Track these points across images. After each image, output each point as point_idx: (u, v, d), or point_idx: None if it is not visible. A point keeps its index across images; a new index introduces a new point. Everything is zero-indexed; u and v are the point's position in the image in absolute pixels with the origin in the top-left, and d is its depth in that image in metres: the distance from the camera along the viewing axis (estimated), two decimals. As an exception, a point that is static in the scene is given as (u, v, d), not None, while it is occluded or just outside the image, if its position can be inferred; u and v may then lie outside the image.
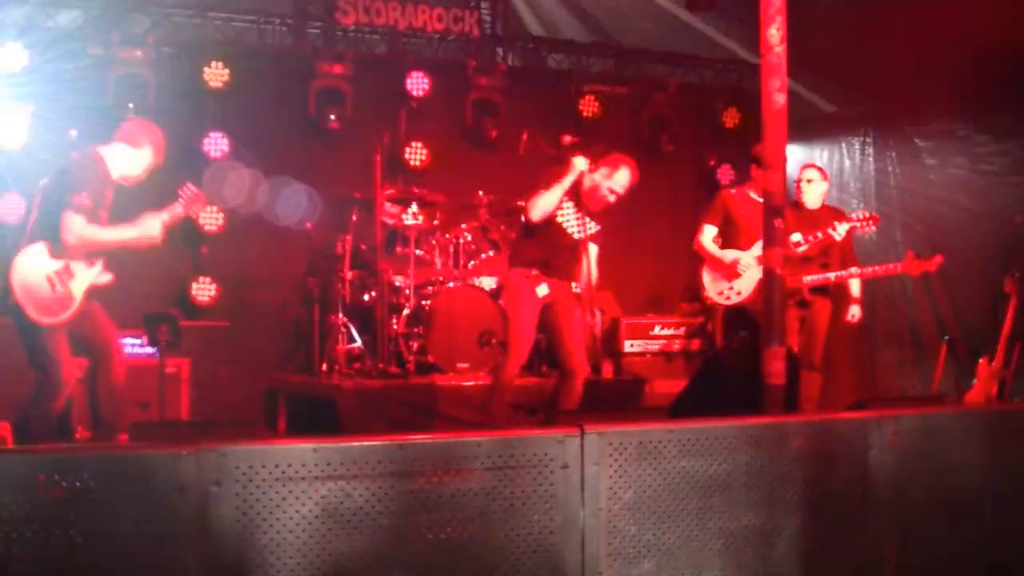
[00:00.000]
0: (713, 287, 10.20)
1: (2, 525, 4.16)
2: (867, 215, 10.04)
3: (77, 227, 7.97)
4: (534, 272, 9.15)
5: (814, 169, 10.61)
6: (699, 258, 10.30)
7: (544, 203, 8.93)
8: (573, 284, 9.25)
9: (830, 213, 10.61)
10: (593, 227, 9.20)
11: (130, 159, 8.50)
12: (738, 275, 9.96)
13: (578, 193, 9.11)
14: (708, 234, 10.19)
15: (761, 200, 7.75)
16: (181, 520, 4.42)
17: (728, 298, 10.06)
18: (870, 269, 10.13)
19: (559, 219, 9.09)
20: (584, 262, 9.03)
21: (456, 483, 4.84)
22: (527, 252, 9.23)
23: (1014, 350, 10.21)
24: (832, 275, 10.15)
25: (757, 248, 9.78)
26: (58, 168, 8.29)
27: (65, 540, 4.26)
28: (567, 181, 8.95)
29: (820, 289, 10.27)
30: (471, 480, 4.87)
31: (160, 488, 4.40)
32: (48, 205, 8.06)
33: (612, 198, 9.17)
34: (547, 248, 9.15)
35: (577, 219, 9.11)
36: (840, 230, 9.92)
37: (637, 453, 5.19)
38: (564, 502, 5.01)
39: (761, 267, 9.59)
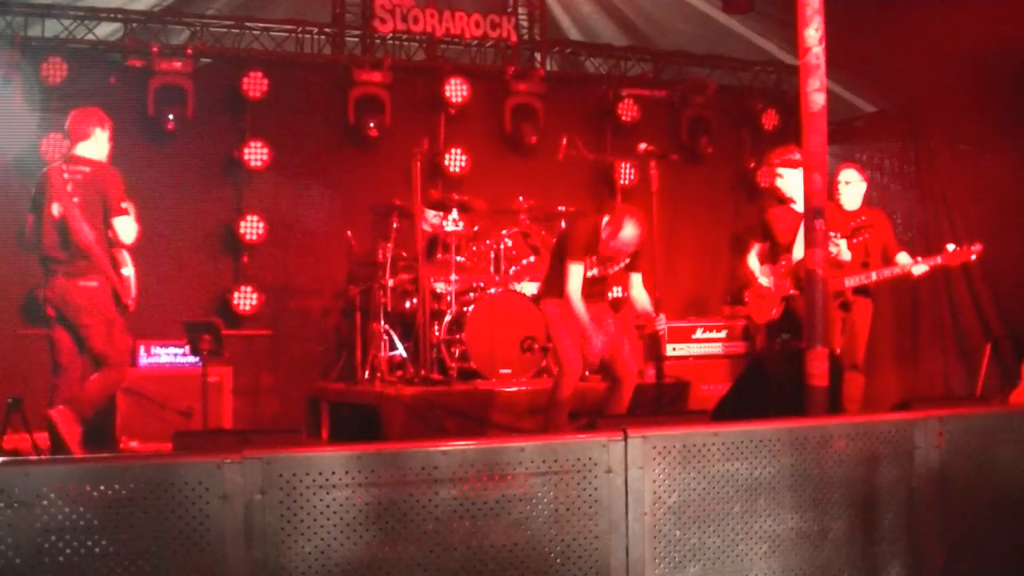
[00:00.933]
0: (753, 306, 10.21)
1: (46, 533, 4.19)
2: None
3: None
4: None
5: (852, 170, 10.55)
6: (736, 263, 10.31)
7: (573, 282, 9.14)
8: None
9: (871, 214, 10.55)
10: (616, 267, 9.35)
11: (95, 148, 8.96)
12: (770, 293, 9.96)
13: (596, 249, 9.24)
14: (753, 252, 10.18)
15: (799, 210, 7.73)
16: (225, 528, 4.44)
17: (765, 317, 10.06)
18: (912, 264, 10.06)
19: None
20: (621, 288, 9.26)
21: (500, 489, 4.84)
22: (557, 284, 9.33)
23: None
24: (874, 275, 10.09)
25: (781, 264, 9.79)
26: None
27: (109, 548, 4.28)
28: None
29: (861, 289, 10.22)
30: (515, 486, 4.87)
31: (204, 496, 4.42)
32: None
33: (626, 252, 9.21)
34: None
35: (599, 266, 9.32)
36: (915, 269, 9.94)
37: (681, 457, 5.18)
38: (608, 506, 5.01)
39: (779, 281, 9.67)
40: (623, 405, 9.34)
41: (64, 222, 8.53)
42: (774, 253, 10.07)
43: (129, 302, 8.79)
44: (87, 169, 8.73)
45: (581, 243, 9.16)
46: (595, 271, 9.25)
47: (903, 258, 10.11)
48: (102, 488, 4.27)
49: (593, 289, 9.36)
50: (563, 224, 12.22)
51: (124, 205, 8.67)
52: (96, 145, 8.94)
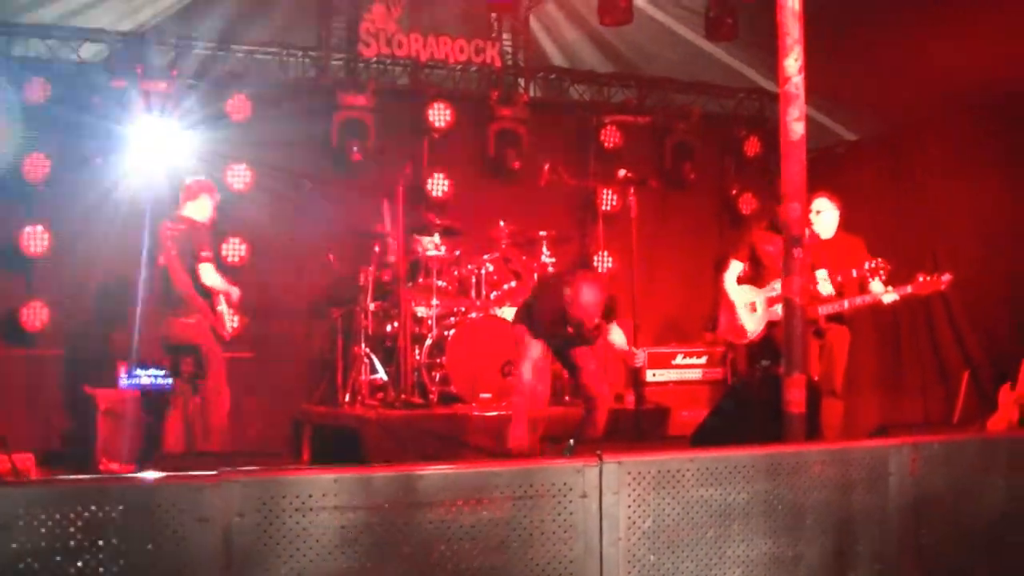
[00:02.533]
0: (727, 326, 10.26)
1: (26, 556, 4.20)
2: (880, 263, 10.07)
3: None
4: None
5: (823, 199, 10.60)
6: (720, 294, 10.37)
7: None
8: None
9: (848, 243, 10.63)
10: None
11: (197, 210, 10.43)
12: (748, 314, 10.01)
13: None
14: (732, 271, 10.22)
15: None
16: (203, 551, 4.45)
17: (741, 337, 10.11)
18: (883, 293, 10.14)
19: None
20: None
21: (476, 513, 4.86)
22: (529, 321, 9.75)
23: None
24: (846, 303, 10.18)
25: (771, 287, 9.83)
26: None
27: (89, 571, 4.29)
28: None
29: (836, 317, 10.29)
30: (491, 510, 4.89)
31: (183, 519, 4.43)
32: None
33: (594, 313, 9.39)
34: None
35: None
36: (886, 297, 10.04)
37: (656, 482, 5.20)
38: (583, 531, 5.03)
39: (771, 307, 9.72)
40: (598, 429, 9.44)
41: (166, 270, 10.06)
42: (757, 276, 10.13)
43: (224, 334, 10.34)
44: (183, 227, 10.19)
45: (547, 323, 9.47)
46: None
47: (876, 286, 10.19)
48: (79, 510, 4.28)
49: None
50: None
51: (205, 254, 10.19)
52: (199, 208, 10.40)
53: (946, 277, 9.90)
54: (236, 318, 10.40)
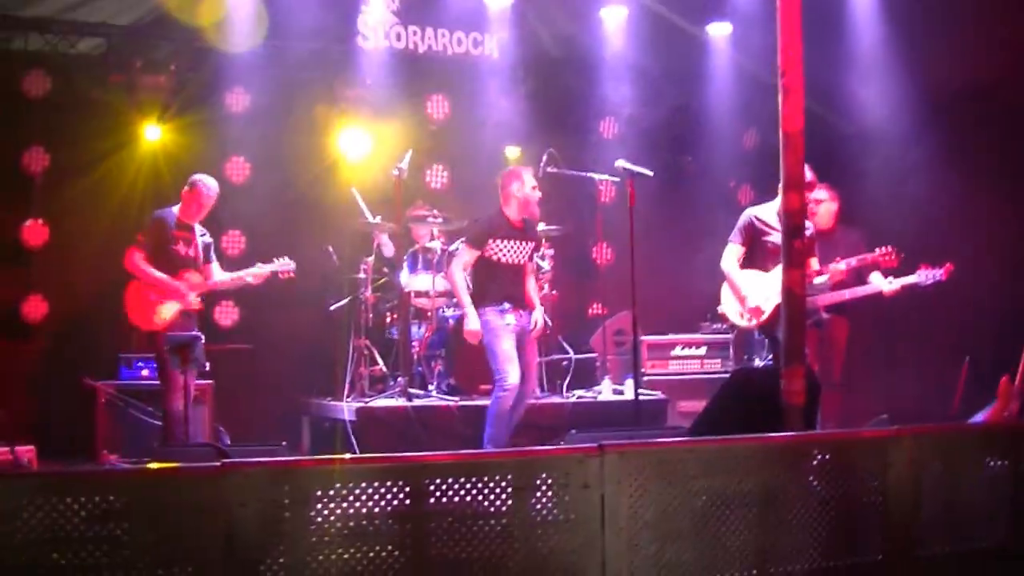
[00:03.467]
0: (732, 309, 10.21)
1: (30, 547, 4.21)
2: (889, 250, 10.10)
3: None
4: (506, 305, 10.05)
5: (821, 190, 10.63)
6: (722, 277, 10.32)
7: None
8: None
9: (845, 234, 10.65)
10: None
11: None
12: (756, 298, 9.95)
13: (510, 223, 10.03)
14: (732, 254, 10.14)
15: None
16: (206, 541, 4.46)
17: (748, 320, 10.07)
18: (884, 283, 10.18)
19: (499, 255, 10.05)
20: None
21: (477, 503, 4.87)
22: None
23: (1035, 368, 10.17)
24: (847, 293, 10.20)
25: (778, 272, 9.81)
26: None
27: (93, 561, 4.31)
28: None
29: (836, 307, 10.30)
30: (492, 500, 4.90)
31: (185, 510, 4.45)
32: None
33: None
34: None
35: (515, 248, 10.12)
36: (885, 286, 10.11)
37: (657, 472, 5.21)
38: (585, 522, 5.04)
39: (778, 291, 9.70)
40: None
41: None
42: (757, 260, 10.07)
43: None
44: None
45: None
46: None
47: (876, 277, 10.23)
48: (83, 501, 4.30)
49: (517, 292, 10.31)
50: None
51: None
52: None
53: (947, 267, 9.94)
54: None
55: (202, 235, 10.38)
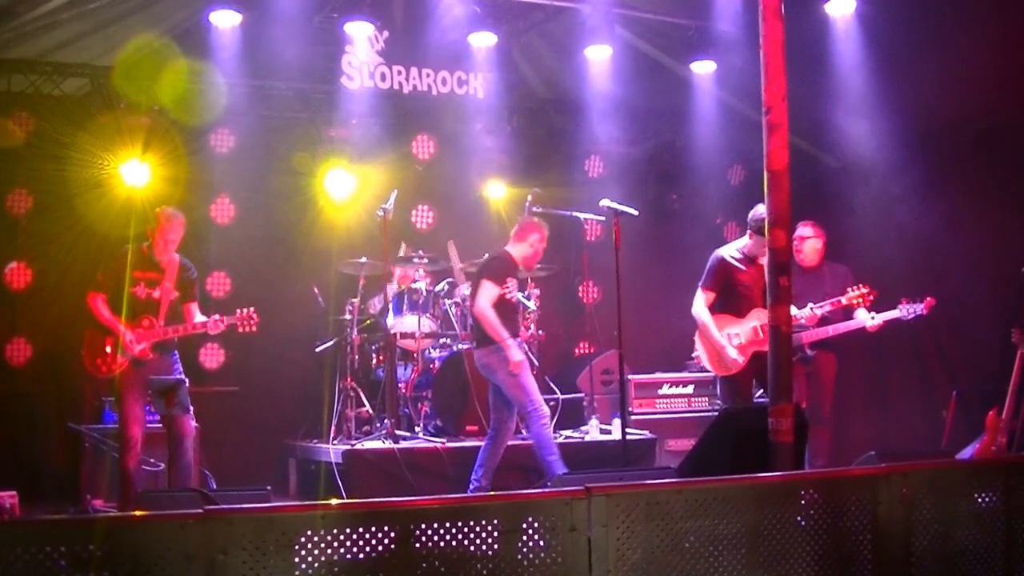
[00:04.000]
0: (707, 357, 10.19)
1: (9, 598, 4.16)
2: (863, 291, 10.15)
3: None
4: (519, 340, 10.28)
5: (807, 227, 10.65)
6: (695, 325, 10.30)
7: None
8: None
9: (831, 269, 10.67)
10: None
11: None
12: (731, 346, 9.94)
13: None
14: (704, 300, 10.10)
15: (762, 262, 7.78)
16: (188, 589, 4.41)
17: (725, 369, 10.04)
18: (867, 319, 10.20)
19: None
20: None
21: (464, 548, 4.83)
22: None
23: (1023, 401, 10.17)
24: (831, 329, 10.21)
25: (753, 316, 9.79)
26: None
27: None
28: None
29: (822, 343, 10.30)
30: (478, 544, 4.86)
31: (168, 557, 4.39)
32: None
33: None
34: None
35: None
36: (868, 321, 10.16)
37: (645, 514, 5.17)
38: (572, 565, 4.99)
39: (755, 337, 9.68)
40: None
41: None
42: (730, 306, 10.05)
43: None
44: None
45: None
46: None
47: (860, 312, 10.25)
48: (62, 550, 4.25)
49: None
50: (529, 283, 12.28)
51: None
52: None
53: (928, 301, 9.99)
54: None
55: (186, 271, 10.15)
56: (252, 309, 10.12)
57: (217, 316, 9.97)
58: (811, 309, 10.10)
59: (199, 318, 10.02)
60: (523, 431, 10.83)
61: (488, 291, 10.10)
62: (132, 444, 9.62)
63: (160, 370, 9.76)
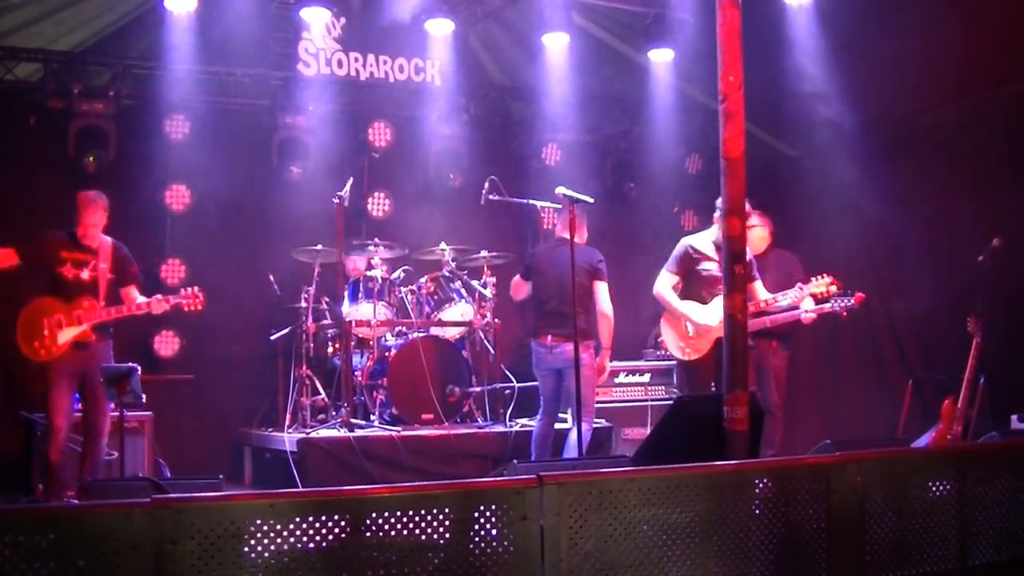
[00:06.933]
0: (672, 341, 10.20)
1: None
2: (830, 281, 10.12)
3: None
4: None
5: (752, 215, 10.65)
6: (660, 307, 10.31)
7: None
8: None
9: (780, 258, 10.68)
10: None
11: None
12: (697, 331, 9.95)
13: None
14: (667, 281, 10.13)
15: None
16: (134, 579, 4.36)
17: (686, 353, 10.06)
18: (802, 311, 10.21)
19: None
20: None
21: (415, 537, 4.80)
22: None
23: (978, 390, 10.22)
24: (767, 320, 10.22)
25: (717, 303, 9.79)
26: None
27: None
28: None
29: (762, 332, 10.30)
30: (430, 533, 4.83)
31: (115, 547, 4.34)
32: None
33: None
34: None
35: None
36: (804, 315, 10.16)
37: (597, 503, 5.15)
38: (524, 554, 4.97)
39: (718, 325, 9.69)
40: None
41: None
42: (690, 285, 10.08)
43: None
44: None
45: None
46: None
47: (807, 303, 10.23)
48: (6, 539, 4.19)
49: None
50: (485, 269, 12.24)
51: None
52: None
53: (858, 295, 10.02)
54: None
55: (120, 252, 9.85)
56: (197, 288, 9.89)
57: (159, 296, 9.74)
58: (785, 298, 10.09)
59: (140, 299, 9.75)
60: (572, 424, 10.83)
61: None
62: (55, 433, 9.32)
63: (98, 356, 9.57)
